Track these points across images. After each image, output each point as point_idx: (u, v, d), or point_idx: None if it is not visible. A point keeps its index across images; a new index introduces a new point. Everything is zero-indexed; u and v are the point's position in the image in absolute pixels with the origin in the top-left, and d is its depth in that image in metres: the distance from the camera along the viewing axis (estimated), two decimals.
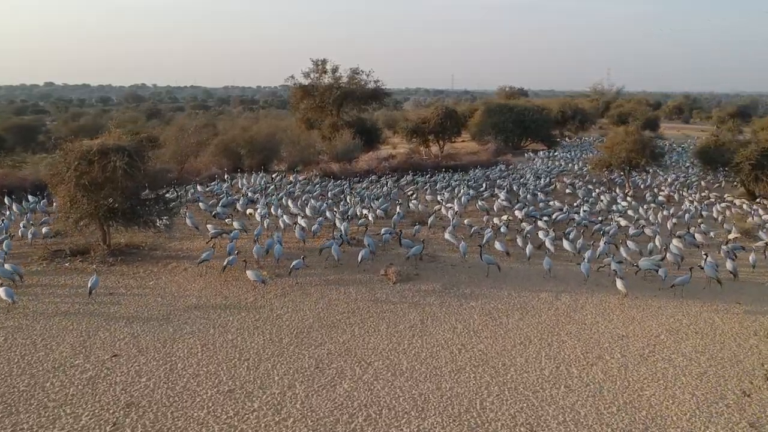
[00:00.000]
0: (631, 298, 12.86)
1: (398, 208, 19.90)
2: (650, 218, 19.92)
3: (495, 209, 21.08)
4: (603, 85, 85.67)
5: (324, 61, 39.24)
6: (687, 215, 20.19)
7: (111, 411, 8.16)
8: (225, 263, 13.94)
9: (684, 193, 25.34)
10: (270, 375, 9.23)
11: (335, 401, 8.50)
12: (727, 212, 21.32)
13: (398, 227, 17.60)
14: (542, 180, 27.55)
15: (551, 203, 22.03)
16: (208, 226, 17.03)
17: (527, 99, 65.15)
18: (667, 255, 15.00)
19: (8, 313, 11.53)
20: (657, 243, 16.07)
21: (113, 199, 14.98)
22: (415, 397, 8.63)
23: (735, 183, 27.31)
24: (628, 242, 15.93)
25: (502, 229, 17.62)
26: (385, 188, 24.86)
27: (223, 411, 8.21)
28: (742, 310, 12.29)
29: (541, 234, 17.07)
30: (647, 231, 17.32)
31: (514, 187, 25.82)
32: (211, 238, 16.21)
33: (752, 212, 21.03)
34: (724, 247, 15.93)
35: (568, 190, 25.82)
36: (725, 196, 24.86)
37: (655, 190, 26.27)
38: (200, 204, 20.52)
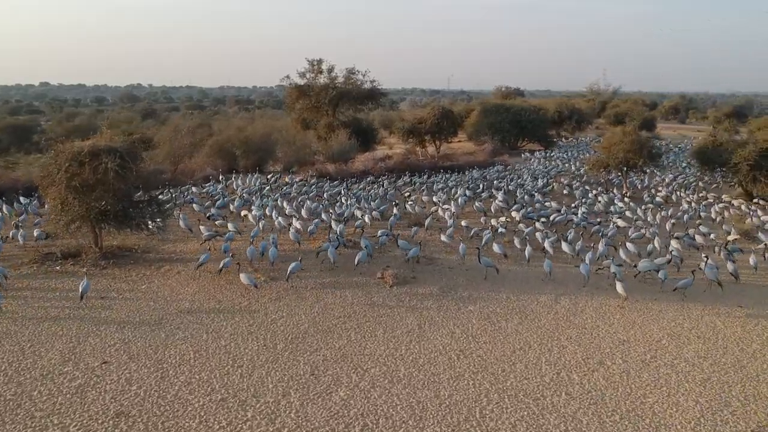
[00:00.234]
0: (631, 302, 12.66)
1: (395, 209, 19.68)
2: (648, 219, 19.74)
3: (492, 210, 20.88)
4: (599, 85, 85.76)
5: (320, 61, 39.01)
6: (686, 216, 20.02)
7: (100, 421, 7.93)
8: (221, 265, 13.72)
9: (682, 194, 25.17)
10: (264, 382, 9.01)
11: (331, 410, 8.27)
12: (726, 213, 21.15)
13: (395, 229, 17.40)
14: (540, 181, 27.36)
15: (548, 204, 21.83)
16: (201, 227, 16.79)
17: (524, 99, 64.87)
18: (670, 257, 14.84)
19: None
20: (656, 244, 15.89)
21: (105, 201, 14.72)
22: (413, 405, 8.41)
23: (732, 183, 27.16)
24: (628, 244, 15.74)
25: (499, 230, 17.43)
26: (381, 189, 24.63)
27: (216, 421, 7.99)
28: (744, 314, 12.11)
29: (538, 235, 16.88)
30: (648, 234, 17.11)
31: (511, 188, 25.63)
32: (205, 240, 15.98)
33: (751, 213, 20.87)
34: (717, 248, 15.77)
35: (565, 191, 25.65)
36: (723, 196, 24.70)
37: (653, 190, 26.11)
38: (194, 205, 20.26)
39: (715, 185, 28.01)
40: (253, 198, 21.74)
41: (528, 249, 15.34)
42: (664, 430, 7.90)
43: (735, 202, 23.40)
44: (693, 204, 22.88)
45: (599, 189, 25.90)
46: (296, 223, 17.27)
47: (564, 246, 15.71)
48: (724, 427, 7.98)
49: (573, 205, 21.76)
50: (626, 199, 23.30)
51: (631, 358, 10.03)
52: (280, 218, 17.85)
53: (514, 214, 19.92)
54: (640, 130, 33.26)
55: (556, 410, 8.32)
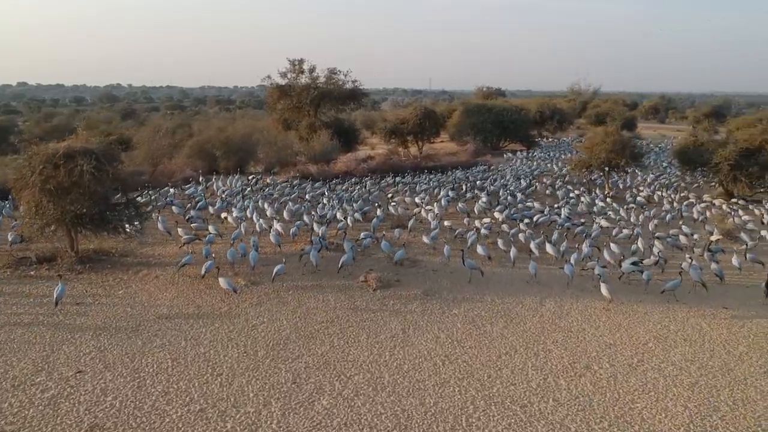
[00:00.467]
0: (617, 304, 12.56)
1: (378, 211, 19.46)
2: (632, 219, 19.71)
3: (476, 211, 20.73)
4: (580, 85, 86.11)
5: (301, 61, 38.72)
6: (668, 216, 20.03)
7: None
8: (203, 271, 13.44)
9: (663, 194, 25.22)
10: (244, 392, 8.75)
11: (313, 420, 8.04)
12: (708, 213, 21.20)
13: (378, 231, 17.19)
14: (522, 181, 27.29)
15: (530, 204, 21.74)
16: (179, 230, 16.44)
17: (505, 99, 65.01)
18: (653, 257, 14.79)
19: None
20: (640, 245, 15.83)
21: (80, 204, 14.35)
22: (397, 414, 8.20)
23: (713, 183, 27.30)
24: (612, 245, 15.67)
25: (482, 231, 17.27)
26: (363, 190, 24.40)
27: None
28: (729, 315, 12.05)
29: (521, 236, 16.75)
30: (633, 233, 17.04)
31: (493, 188, 25.50)
32: (184, 243, 15.66)
33: (732, 213, 20.93)
34: (697, 250, 15.74)
35: (548, 191, 25.61)
36: (704, 196, 24.80)
37: (634, 190, 26.15)
38: (174, 208, 19.90)
39: (696, 185, 28.13)
40: (234, 200, 21.41)
41: (513, 250, 15.21)
42: None
43: (716, 202, 23.51)
44: (675, 204, 22.93)
45: (582, 189, 25.89)
46: (277, 226, 17.01)
47: (548, 247, 15.60)
48: None
49: (556, 205, 21.68)
50: (608, 200, 23.29)
51: (618, 362, 9.90)
52: (261, 220, 17.57)
53: (497, 214, 19.78)
54: (622, 130, 33.38)
55: (543, 417, 8.16)
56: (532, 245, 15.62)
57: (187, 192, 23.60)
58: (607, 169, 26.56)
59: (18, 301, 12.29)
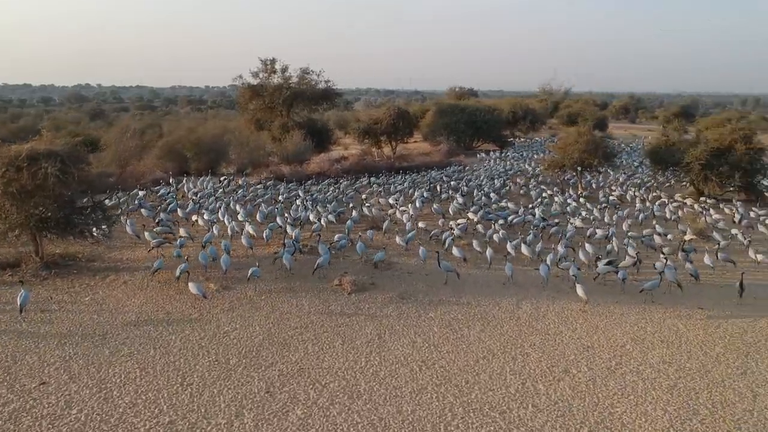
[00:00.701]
0: (593, 305, 12.50)
1: (353, 212, 19.19)
2: (606, 219, 19.74)
3: (451, 212, 20.60)
4: (551, 85, 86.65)
5: (273, 61, 38.40)
6: (641, 216, 20.12)
7: None
8: (178, 271, 13.08)
9: (636, 193, 25.37)
10: (215, 402, 8.46)
11: (288, 431, 7.79)
12: (680, 212, 21.34)
13: (352, 232, 16.96)
14: (497, 181, 27.25)
15: (504, 204, 21.68)
16: (146, 234, 16.01)
17: (477, 99, 65.21)
18: (629, 258, 14.79)
19: None
20: (615, 245, 15.84)
21: (45, 207, 13.90)
22: (374, 423, 7.99)
23: (684, 183, 27.57)
24: (587, 245, 15.64)
25: (455, 232, 17.12)
26: (337, 191, 24.15)
27: None
28: (705, 315, 12.06)
29: (496, 237, 16.65)
30: (609, 236, 17.03)
31: (467, 189, 25.39)
32: (153, 248, 15.26)
33: (704, 213, 21.12)
34: (666, 249, 15.77)
35: (522, 191, 25.62)
36: (675, 196, 25.02)
37: (607, 189, 26.28)
38: (143, 210, 19.42)
39: (667, 184, 28.37)
40: (205, 201, 20.99)
41: (489, 251, 15.11)
42: None
43: (688, 201, 23.73)
44: (647, 203, 23.08)
45: (555, 189, 25.95)
46: (249, 228, 16.69)
47: (523, 248, 15.52)
48: None
49: (530, 206, 21.66)
50: (582, 199, 23.35)
51: (596, 365, 9.81)
52: (233, 223, 17.22)
53: (471, 215, 19.66)
54: (594, 130, 33.60)
55: (523, 424, 8.01)
56: (509, 246, 15.53)
57: (158, 194, 23.09)
58: (580, 168, 26.67)
59: None
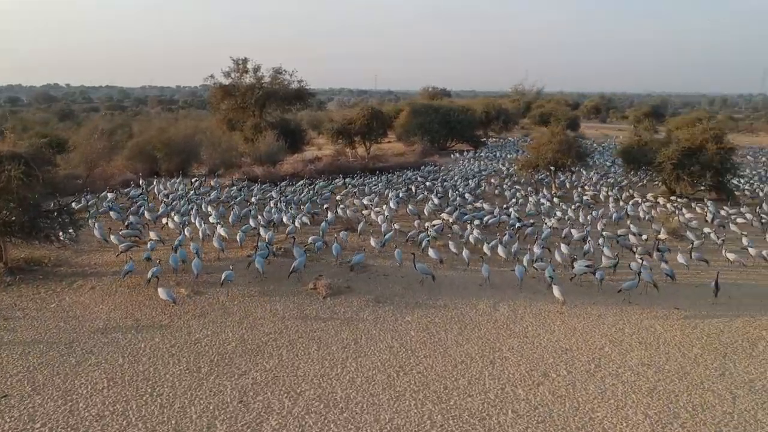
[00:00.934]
0: (570, 306, 12.42)
1: (328, 213, 18.92)
2: (580, 219, 19.74)
3: (426, 213, 20.44)
4: (524, 85, 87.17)
5: (245, 60, 38.03)
6: (614, 215, 20.17)
7: None
8: (150, 274, 12.72)
9: (609, 193, 25.48)
10: (186, 413, 8.16)
11: None
12: (653, 212, 21.45)
13: (326, 234, 16.71)
14: (471, 182, 27.17)
15: (479, 205, 21.58)
16: (112, 237, 15.55)
17: (450, 99, 65.32)
18: (607, 260, 14.76)
19: None
20: (590, 246, 15.81)
21: (8, 211, 13.44)
22: None
23: (656, 182, 27.79)
24: (562, 245, 15.59)
25: (431, 233, 16.95)
26: (312, 192, 23.85)
27: None
28: (682, 316, 12.04)
29: (471, 238, 16.53)
30: (584, 236, 17.00)
31: (441, 189, 25.26)
32: (121, 252, 14.84)
33: (677, 212, 21.26)
34: (639, 249, 15.78)
35: (497, 191, 25.58)
36: (648, 195, 25.19)
37: (580, 189, 26.36)
38: (111, 213, 18.93)
39: (640, 184, 28.57)
40: (177, 203, 20.52)
41: (465, 252, 14.97)
42: None
43: (660, 200, 23.91)
44: (621, 203, 23.18)
45: (529, 189, 25.96)
46: (221, 230, 16.35)
47: (499, 249, 15.41)
48: None
49: (505, 206, 21.59)
50: (556, 199, 23.37)
51: (575, 368, 9.69)
52: (204, 225, 16.85)
53: (445, 216, 19.50)
54: (566, 130, 33.77)
55: (503, 431, 7.84)
56: (486, 247, 15.41)
57: (129, 196, 22.55)
58: (553, 168, 26.72)
59: None
